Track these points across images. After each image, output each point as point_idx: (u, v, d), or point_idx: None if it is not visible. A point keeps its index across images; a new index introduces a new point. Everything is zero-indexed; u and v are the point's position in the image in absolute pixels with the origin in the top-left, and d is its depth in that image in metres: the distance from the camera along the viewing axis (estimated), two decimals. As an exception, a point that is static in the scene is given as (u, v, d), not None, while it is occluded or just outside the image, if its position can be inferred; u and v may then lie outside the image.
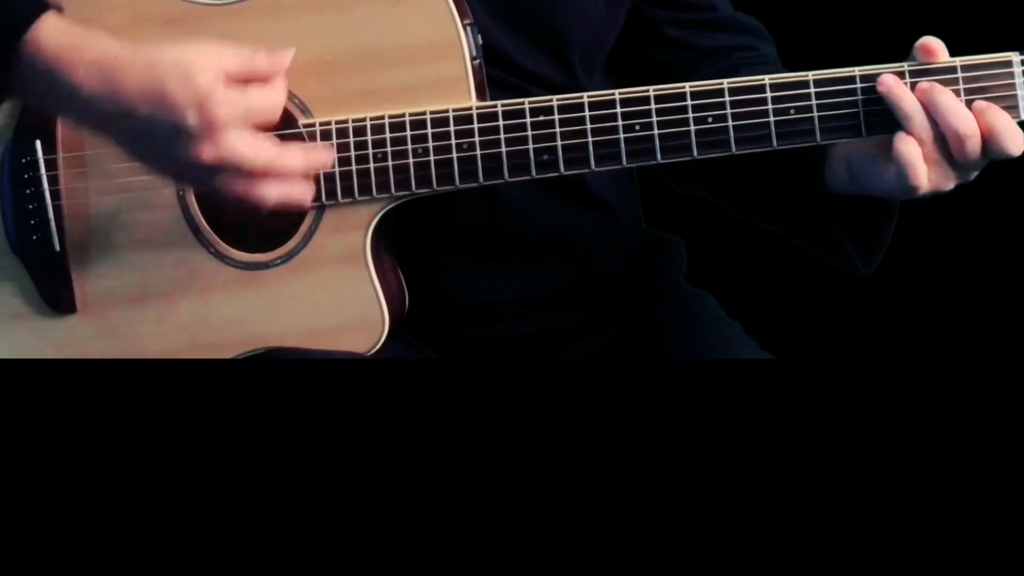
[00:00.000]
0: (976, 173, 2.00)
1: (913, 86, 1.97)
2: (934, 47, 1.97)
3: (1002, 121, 1.94)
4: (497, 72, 2.08)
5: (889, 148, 1.95)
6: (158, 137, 1.92)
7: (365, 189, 2.03)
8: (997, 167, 2.10)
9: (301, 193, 1.96)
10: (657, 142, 1.99)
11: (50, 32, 1.94)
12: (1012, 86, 1.96)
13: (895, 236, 2.14)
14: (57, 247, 2.07)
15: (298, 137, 2.04)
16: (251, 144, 1.93)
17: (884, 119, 1.97)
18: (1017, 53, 1.97)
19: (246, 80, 1.94)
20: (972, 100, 1.96)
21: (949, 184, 1.98)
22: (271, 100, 1.96)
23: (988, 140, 1.94)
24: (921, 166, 1.94)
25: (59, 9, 1.98)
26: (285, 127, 2.05)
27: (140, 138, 1.94)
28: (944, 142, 1.95)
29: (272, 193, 1.94)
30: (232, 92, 1.92)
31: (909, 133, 1.94)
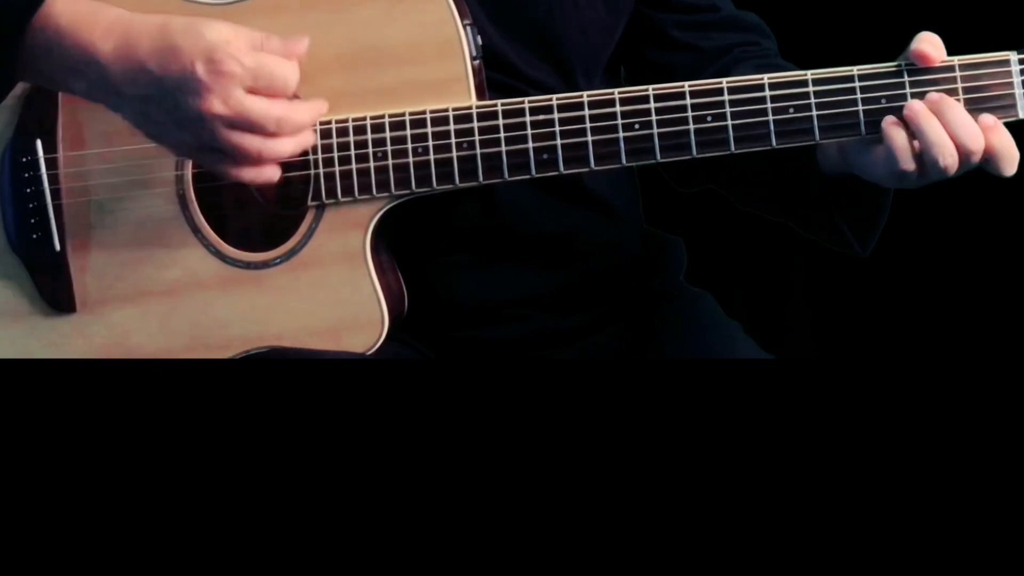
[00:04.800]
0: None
1: (913, 84, 1.97)
2: (929, 53, 1.97)
3: (1004, 142, 1.96)
4: (498, 76, 2.08)
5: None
6: (167, 96, 1.91)
7: (365, 188, 2.03)
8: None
9: (309, 142, 1.97)
10: (656, 141, 1.99)
11: (62, 4, 1.94)
12: (1010, 85, 1.97)
13: (896, 236, 2.14)
14: (57, 247, 2.07)
15: None
16: (261, 100, 1.91)
17: (882, 118, 1.97)
18: (1015, 52, 1.97)
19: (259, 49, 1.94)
20: (970, 99, 1.97)
21: (927, 181, 1.99)
22: (284, 68, 1.93)
23: (987, 157, 1.95)
24: (908, 153, 1.95)
25: None
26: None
27: (150, 103, 1.93)
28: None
29: (286, 149, 1.94)
30: (243, 50, 1.91)
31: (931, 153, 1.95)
